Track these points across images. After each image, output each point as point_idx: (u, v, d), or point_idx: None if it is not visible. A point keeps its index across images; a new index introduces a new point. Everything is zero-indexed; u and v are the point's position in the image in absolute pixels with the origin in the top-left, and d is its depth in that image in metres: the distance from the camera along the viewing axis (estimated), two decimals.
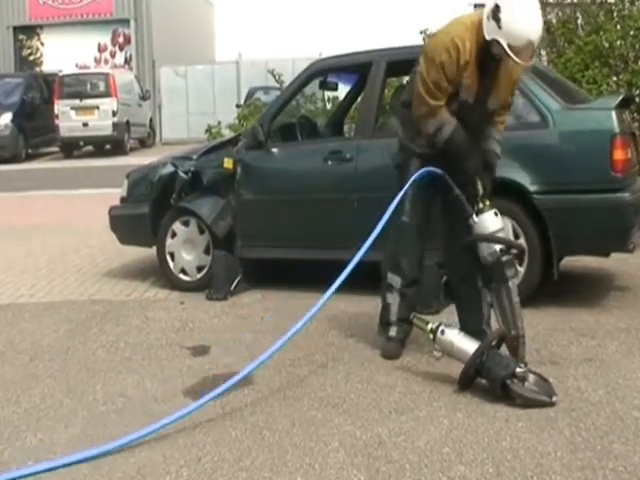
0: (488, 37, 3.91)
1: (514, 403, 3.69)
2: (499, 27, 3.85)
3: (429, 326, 4.12)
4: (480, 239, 4.13)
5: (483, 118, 4.24)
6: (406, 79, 9.96)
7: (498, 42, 3.87)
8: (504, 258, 4.07)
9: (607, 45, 9.72)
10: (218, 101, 24.61)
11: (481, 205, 4.16)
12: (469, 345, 3.93)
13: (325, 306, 4.08)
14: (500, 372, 3.73)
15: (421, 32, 10.92)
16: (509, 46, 3.85)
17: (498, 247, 4.09)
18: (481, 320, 4.35)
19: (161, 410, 3.80)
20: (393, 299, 4.43)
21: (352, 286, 5.75)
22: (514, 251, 4.16)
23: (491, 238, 4.12)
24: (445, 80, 4.01)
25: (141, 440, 3.42)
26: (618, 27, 10.01)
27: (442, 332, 4.05)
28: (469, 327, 4.24)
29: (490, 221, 4.14)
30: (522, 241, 5.20)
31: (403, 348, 4.45)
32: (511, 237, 5.09)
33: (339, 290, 5.33)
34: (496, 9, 3.87)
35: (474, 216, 4.15)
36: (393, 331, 4.43)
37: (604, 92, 8.95)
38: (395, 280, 4.42)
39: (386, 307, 4.47)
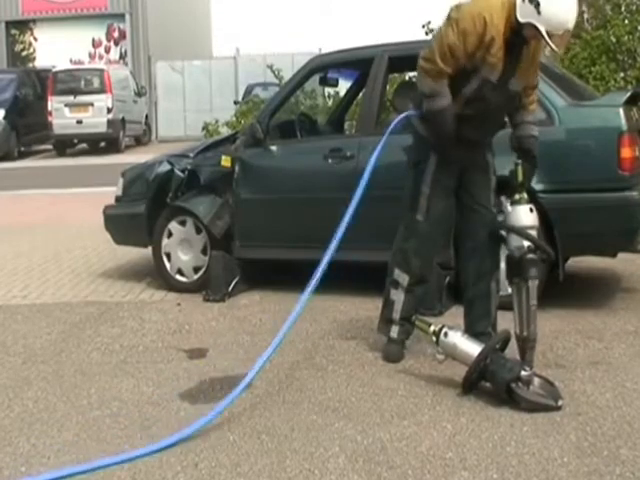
0: (523, 20, 3.87)
1: (519, 407, 3.69)
2: (538, 12, 3.82)
3: (431, 328, 4.12)
4: (513, 230, 4.07)
5: (507, 100, 4.17)
6: (409, 75, 9.98)
7: (533, 26, 3.85)
8: (529, 256, 4.03)
9: (615, 40, 9.73)
10: (215, 97, 24.61)
11: (517, 196, 4.10)
12: (473, 348, 3.93)
13: (324, 308, 4.09)
14: (505, 375, 3.74)
15: (423, 26, 10.94)
16: (547, 32, 3.83)
17: (527, 244, 4.05)
18: (488, 322, 4.35)
19: (157, 414, 3.81)
20: (397, 296, 4.38)
21: (353, 287, 5.77)
22: (542, 255, 4.11)
23: (524, 233, 4.06)
24: (462, 49, 3.95)
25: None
26: (626, 22, 10.03)
27: (445, 334, 4.05)
28: (475, 329, 4.25)
29: (524, 215, 4.08)
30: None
31: (405, 349, 4.45)
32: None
33: (338, 291, 5.35)
34: None
35: (508, 205, 4.10)
36: (394, 331, 4.40)
37: (612, 88, 8.96)
38: (402, 277, 4.36)
39: (389, 304, 4.42)
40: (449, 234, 4.59)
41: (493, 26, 3.91)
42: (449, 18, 4.06)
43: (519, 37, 3.96)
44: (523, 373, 3.74)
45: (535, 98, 4.37)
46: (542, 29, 3.83)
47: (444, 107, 4.07)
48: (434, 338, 4.10)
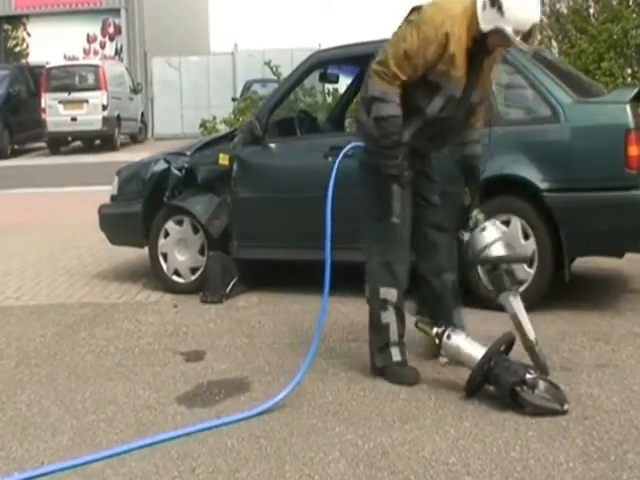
0: (487, 27, 3.82)
1: (523, 411, 3.69)
2: (501, 14, 3.78)
3: (434, 330, 4.12)
4: (477, 262, 4.12)
5: (467, 114, 4.15)
6: None
7: (498, 31, 3.81)
8: (501, 269, 4.10)
9: (622, 34, 9.72)
10: (213, 94, 24.59)
11: (470, 223, 4.14)
12: (476, 350, 3.93)
13: (326, 309, 4.08)
14: (509, 379, 3.74)
15: None
16: (514, 32, 3.80)
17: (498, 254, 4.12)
18: (460, 313, 4.36)
19: (153, 419, 3.81)
20: (391, 317, 4.15)
21: (353, 289, 5.77)
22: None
23: (489, 260, 4.10)
24: (421, 56, 3.86)
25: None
26: (634, 15, 10.02)
27: (448, 337, 4.05)
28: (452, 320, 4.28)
29: (483, 235, 4.13)
30: (532, 241, 5.21)
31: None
32: (517, 241, 5.11)
33: (339, 293, 5.34)
34: None
35: (464, 233, 4.14)
36: (396, 354, 4.17)
37: (620, 85, 8.96)
38: (391, 293, 4.14)
39: (382, 329, 4.16)
40: None
41: (455, 38, 3.85)
42: (409, 22, 3.98)
43: (481, 47, 3.93)
44: (528, 376, 3.74)
45: (482, 115, 4.33)
46: (509, 30, 3.79)
47: (393, 114, 3.95)
48: (437, 340, 4.11)
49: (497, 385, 3.80)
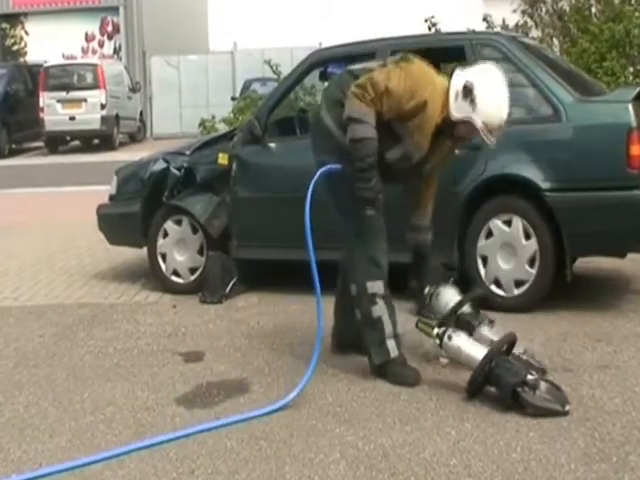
0: (458, 116, 3.96)
1: (525, 412, 3.69)
2: (473, 107, 3.92)
3: (435, 331, 4.12)
4: (444, 323, 4.13)
5: (415, 175, 4.27)
6: None
7: (467, 122, 3.95)
8: (461, 312, 4.18)
9: (625, 33, 9.72)
10: (212, 93, 24.59)
11: (436, 337, 4.12)
12: (477, 351, 3.93)
13: (325, 309, 4.08)
14: (510, 379, 3.74)
15: (426, 20, 10.94)
16: (484, 124, 3.93)
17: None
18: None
19: (152, 420, 3.81)
20: (381, 309, 4.16)
21: None
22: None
23: (450, 316, 4.15)
24: (397, 101, 3.95)
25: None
26: (637, 14, 10.02)
27: (449, 337, 4.06)
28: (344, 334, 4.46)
29: (444, 301, 4.22)
30: (533, 241, 5.22)
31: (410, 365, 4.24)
32: (518, 241, 5.21)
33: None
34: (468, 89, 3.93)
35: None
36: (393, 348, 4.16)
37: (622, 84, 8.95)
38: (378, 286, 4.16)
39: (376, 323, 4.16)
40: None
41: (431, 109, 3.97)
42: (398, 65, 4.09)
43: (447, 129, 4.04)
44: (529, 377, 3.74)
45: (432, 191, 4.38)
46: (479, 123, 3.92)
47: (369, 137, 3.98)
48: (438, 341, 4.11)
49: (498, 386, 3.80)
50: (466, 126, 4.00)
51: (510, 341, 3.99)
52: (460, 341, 4.03)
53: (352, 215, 4.19)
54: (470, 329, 4.12)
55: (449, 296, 4.25)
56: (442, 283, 4.34)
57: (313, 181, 4.21)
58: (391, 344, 4.16)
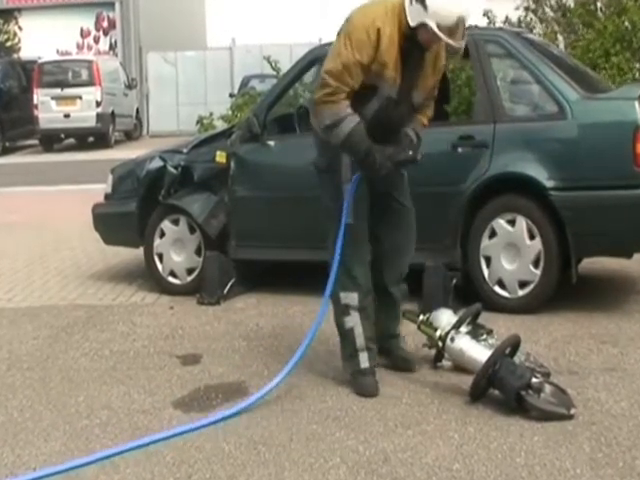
0: (414, 23, 3.86)
1: (529, 416, 3.69)
2: (425, 8, 3.82)
3: (437, 333, 4.12)
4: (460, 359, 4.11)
5: (407, 115, 4.12)
6: None
7: (426, 26, 3.84)
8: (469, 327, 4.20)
9: (630, 27, 9.72)
10: (210, 90, 24.61)
11: (438, 342, 4.16)
12: (481, 353, 3.93)
13: (326, 312, 4.08)
14: (514, 382, 3.73)
15: None
16: (438, 27, 3.82)
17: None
18: (398, 323, 4.43)
19: (149, 424, 3.81)
20: (354, 321, 4.11)
21: None
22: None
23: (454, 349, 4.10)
24: (358, 64, 3.87)
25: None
26: None
27: (452, 339, 4.06)
28: (390, 331, 4.39)
29: (454, 347, 4.11)
30: (537, 241, 5.21)
31: (376, 379, 4.15)
32: (522, 241, 5.22)
33: None
34: None
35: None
36: (364, 360, 4.10)
37: (629, 81, 8.95)
38: (351, 297, 4.11)
39: (347, 334, 4.14)
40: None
41: (386, 35, 3.88)
42: (339, 34, 4.01)
43: (414, 44, 3.94)
44: (534, 380, 3.74)
45: (431, 110, 4.29)
46: (433, 25, 3.82)
47: (352, 128, 3.92)
48: (440, 343, 4.11)
49: (502, 389, 3.80)
50: (425, 31, 3.86)
51: (514, 343, 3.99)
52: (463, 343, 4.03)
53: (333, 221, 4.14)
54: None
55: (445, 321, 4.20)
56: (435, 308, 4.37)
57: (349, 191, 4.07)
58: (363, 356, 4.11)
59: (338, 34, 4.04)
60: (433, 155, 5.26)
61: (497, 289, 5.33)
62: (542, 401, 3.72)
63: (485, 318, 4.79)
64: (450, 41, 3.87)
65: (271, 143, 6.04)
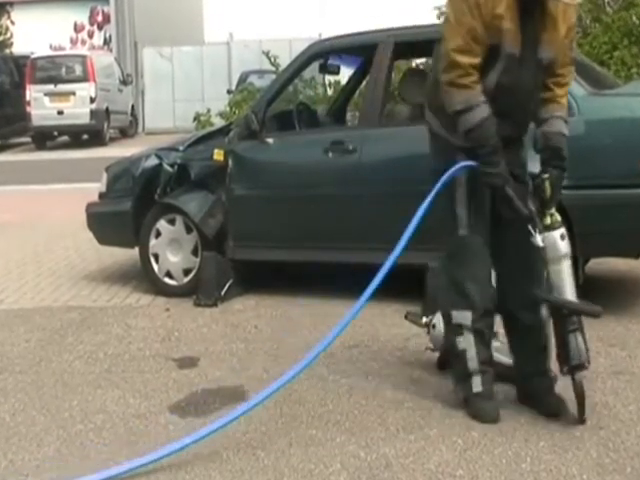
0: None
1: (535, 420, 3.69)
2: None
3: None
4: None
5: (537, 77, 3.74)
6: (416, 62, 9.96)
7: None
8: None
9: (637, 22, 9.75)
10: (207, 86, 24.62)
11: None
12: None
13: (325, 313, 4.09)
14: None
15: (438, 8, 10.93)
16: None
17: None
18: (544, 359, 3.89)
19: (144, 428, 3.81)
20: (467, 342, 3.78)
21: (355, 291, 5.76)
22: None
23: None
24: (481, 24, 3.53)
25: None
26: None
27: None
28: (527, 367, 3.90)
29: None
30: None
31: (496, 402, 3.84)
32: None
33: (341, 296, 5.34)
34: None
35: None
36: (477, 384, 3.78)
37: (635, 75, 8.97)
38: (464, 316, 3.78)
39: (460, 355, 3.81)
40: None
41: None
42: (453, 1, 3.70)
43: None
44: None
45: (567, 87, 3.93)
46: None
47: (484, 117, 3.64)
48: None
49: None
50: None
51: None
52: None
53: (449, 232, 3.83)
54: None
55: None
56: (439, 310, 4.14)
57: (449, 173, 3.76)
58: (476, 380, 3.79)
59: (448, 5, 3.73)
60: None
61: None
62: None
63: None
64: None
65: (270, 140, 6.04)
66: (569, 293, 3.70)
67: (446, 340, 4.02)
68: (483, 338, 3.81)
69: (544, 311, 3.81)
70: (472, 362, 3.78)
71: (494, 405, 3.80)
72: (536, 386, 3.84)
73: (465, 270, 3.79)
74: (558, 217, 3.78)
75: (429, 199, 3.79)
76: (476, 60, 3.61)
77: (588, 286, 5.41)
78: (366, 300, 3.76)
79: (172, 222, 6.21)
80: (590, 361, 3.74)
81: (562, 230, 3.76)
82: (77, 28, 27.95)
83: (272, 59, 12.82)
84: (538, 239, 3.69)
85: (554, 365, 3.83)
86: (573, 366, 3.68)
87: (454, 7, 3.67)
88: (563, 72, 3.86)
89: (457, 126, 3.72)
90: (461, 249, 3.82)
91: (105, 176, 6.66)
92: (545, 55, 3.72)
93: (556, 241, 3.72)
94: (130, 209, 6.30)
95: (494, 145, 3.69)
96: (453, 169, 3.75)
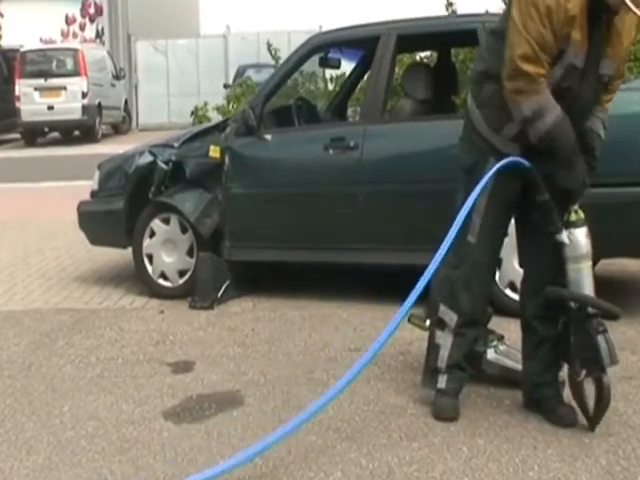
0: None
1: (543, 427, 3.69)
2: None
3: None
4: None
5: (596, 91, 3.73)
6: (419, 56, 9.94)
7: None
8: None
9: None
10: (203, 81, 24.62)
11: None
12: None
13: (324, 316, 4.09)
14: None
15: (448, 2, 10.89)
16: None
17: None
18: (556, 370, 3.93)
19: (138, 435, 3.81)
20: (444, 340, 3.91)
21: (356, 293, 5.76)
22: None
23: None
24: (551, 34, 3.46)
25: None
26: None
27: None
28: (539, 378, 3.91)
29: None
30: None
31: (457, 401, 3.94)
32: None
33: (340, 298, 5.34)
34: None
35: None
36: (442, 381, 3.92)
37: None
38: (449, 316, 3.89)
39: (434, 349, 3.97)
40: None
41: None
42: (520, 2, 3.54)
43: (601, 4, 3.50)
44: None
45: (614, 94, 3.92)
46: None
47: (558, 118, 3.57)
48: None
49: None
50: None
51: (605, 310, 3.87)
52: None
53: (462, 231, 3.77)
54: (479, 358, 4.09)
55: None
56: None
57: (495, 170, 3.69)
58: (442, 378, 3.92)
59: (518, 3, 3.56)
60: (442, 149, 5.29)
61: (509, 292, 5.33)
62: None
63: (496, 323, 4.79)
64: (634, 7, 3.45)
65: (268, 137, 6.04)
66: (588, 293, 3.74)
67: (429, 329, 4.11)
68: (462, 341, 3.92)
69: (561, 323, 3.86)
70: (441, 361, 3.92)
71: (454, 404, 3.91)
72: (547, 396, 3.87)
73: (462, 276, 3.86)
74: (582, 214, 3.76)
75: (472, 199, 3.71)
76: (543, 70, 3.54)
77: (597, 288, 5.41)
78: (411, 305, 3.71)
79: (167, 221, 6.20)
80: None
81: (585, 228, 3.76)
82: (68, 20, 27.96)
83: (273, 52, 12.81)
84: (563, 235, 3.70)
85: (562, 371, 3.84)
86: (602, 368, 3.72)
87: (520, 10, 3.54)
88: (615, 84, 3.87)
89: (529, 134, 3.64)
90: (465, 255, 3.85)
91: (97, 174, 6.66)
92: (606, 71, 3.70)
93: (579, 239, 3.73)
94: (123, 208, 6.30)
95: (574, 145, 3.65)
96: (501, 163, 3.67)
